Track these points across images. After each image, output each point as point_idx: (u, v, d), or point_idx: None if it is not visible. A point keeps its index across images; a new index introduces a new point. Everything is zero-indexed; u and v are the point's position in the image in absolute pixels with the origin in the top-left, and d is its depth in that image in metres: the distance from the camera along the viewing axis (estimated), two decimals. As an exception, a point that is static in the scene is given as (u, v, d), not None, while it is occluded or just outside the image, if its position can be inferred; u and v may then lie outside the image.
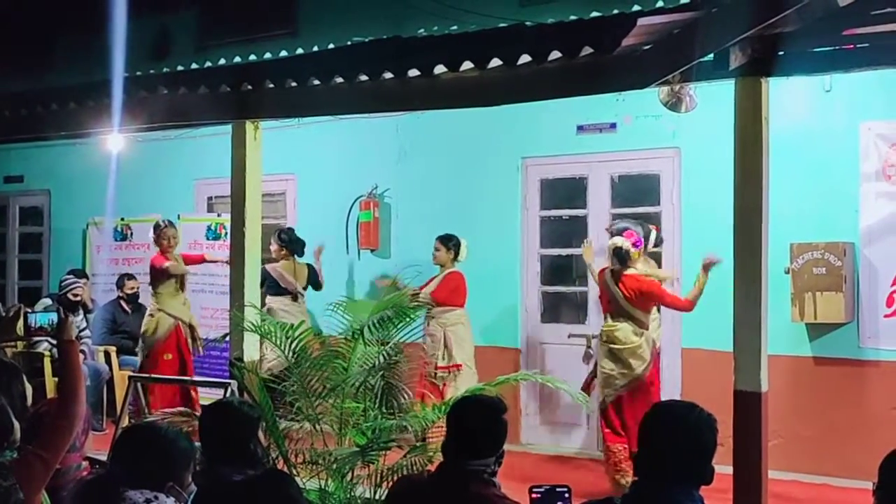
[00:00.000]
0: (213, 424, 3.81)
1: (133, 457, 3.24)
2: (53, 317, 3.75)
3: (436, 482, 3.48)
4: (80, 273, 10.03)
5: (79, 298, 9.42)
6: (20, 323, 3.85)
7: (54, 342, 8.34)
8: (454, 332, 8.05)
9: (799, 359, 7.44)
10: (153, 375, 8.66)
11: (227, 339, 6.60)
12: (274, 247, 8.97)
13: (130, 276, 9.93)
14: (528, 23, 6.12)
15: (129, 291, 9.85)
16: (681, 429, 2.83)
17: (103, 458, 4.83)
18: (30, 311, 3.90)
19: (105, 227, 10.89)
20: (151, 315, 8.79)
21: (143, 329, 8.85)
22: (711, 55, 5.05)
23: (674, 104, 6.70)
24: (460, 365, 7.98)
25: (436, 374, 7.91)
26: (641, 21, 4.65)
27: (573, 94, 5.75)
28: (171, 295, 8.74)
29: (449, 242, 8.17)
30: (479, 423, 3.45)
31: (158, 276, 8.74)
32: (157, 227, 8.85)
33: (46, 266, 12.11)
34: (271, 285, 8.79)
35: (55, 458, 3.29)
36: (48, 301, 9.47)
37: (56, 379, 8.87)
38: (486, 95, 5.65)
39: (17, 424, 3.28)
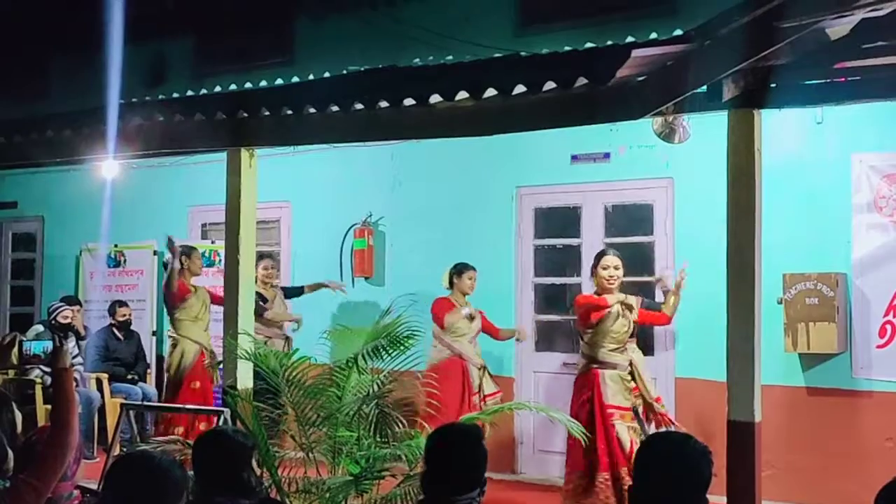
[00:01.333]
0: (206, 453, 3.79)
1: (125, 486, 3.20)
2: (48, 345, 3.74)
3: None
4: (73, 300, 10.01)
5: (68, 321, 9.39)
6: (15, 351, 3.84)
7: (46, 370, 8.31)
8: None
9: (792, 389, 7.44)
10: (145, 403, 8.63)
11: (221, 366, 6.58)
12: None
13: (122, 304, 9.89)
14: (522, 53, 6.16)
15: (120, 318, 9.80)
16: (675, 460, 2.82)
17: (94, 486, 4.80)
18: (25, 339, 3.89)
19: (98, 254, 10.87)
20: (174, 345, 8.61)
21: (167, 361, 8.72)
22: (705, 87, 5.08)
23: (667, 135, 6.74)
24: (501, 391, 8.03)
25: (484, 401, 7.84)
26: (636, 53, 4.67)
27: (568, 124, 5.77)
28: (191, 321, 8.56)
29: None
30: (466, 457, 3.39)
31: (176, 300, 8.59)
32: (186, 251, 8.71)
33: (39, 293, 12.09)
34: None
35: (47, 486, 3.27)
36: (40, 328, 9.46)
37: (48, 406, 8.85)
38: (481, 125, 5.67)
39: (10, 453, 3.27)
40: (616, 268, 6.84)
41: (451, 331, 7.95)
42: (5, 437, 3.55)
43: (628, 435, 6.64)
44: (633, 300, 7.01)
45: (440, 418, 6.20)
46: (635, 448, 6.41)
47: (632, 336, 6.99)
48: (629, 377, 6.83)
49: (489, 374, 8.03)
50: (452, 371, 7.82)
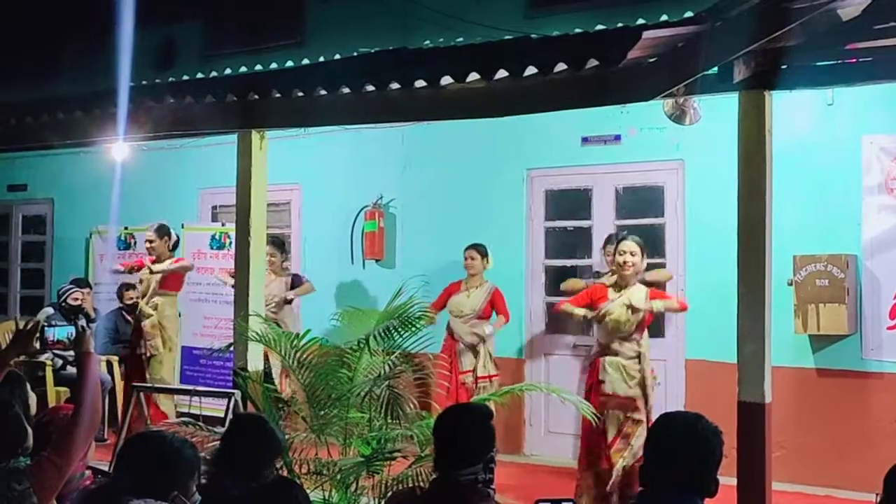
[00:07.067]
0: (243, 436, 3.82)
1: (137, 465, 3.23)
2: (71, 330, 3.82)
3: (431, 497, 3.46)
4: (83, 282, 10.04)
5: (78, 304, 9.42)
6: (37, 337, 3.88)
7: (63, 353, 8.35)
8: (491, 343, 8.04)
9: (802, 370, 7.45)
10: (156, 385, 8.66)
11: (232, 349, 6.59)
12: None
13: (130, 286, 9.90)
14: (533, 35, 6.14)
15: (128, 301, 9.82)
16: (686, 439, 2.83)
17: (105, 468, 4.84)
18: (47, 325, 3.94)
19: (108, 236, 10.89)
20: None
21: None
22: (715, 68, 5.06)
23: (678, 117, 6.72)
24: (498, 375, 7.98)
25: (475, 383, 7.83)
26: (646, 34, 4.66)
27: (578, 105, 5.76)
28: None
29: (485, 250, 8.07)
30: (459, 429, 3.44)
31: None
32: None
33: (49, 275, 12.13)
34: None
35: (69, 464, 3.34)
36: (50, 310, 9.49)
37: (59, 389, 8.92)
38: (491, 107, 5.66)
39: (30, 431, 3.32)
40: (632, 254, 6.53)
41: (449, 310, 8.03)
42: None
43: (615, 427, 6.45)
44: (641, 299, 6.61)
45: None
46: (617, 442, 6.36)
47: (638, 330, 6.62)
48: (636, 365, 6.53)
49: (490, 356, 7.97)
50: (444, 349, 7.94)
